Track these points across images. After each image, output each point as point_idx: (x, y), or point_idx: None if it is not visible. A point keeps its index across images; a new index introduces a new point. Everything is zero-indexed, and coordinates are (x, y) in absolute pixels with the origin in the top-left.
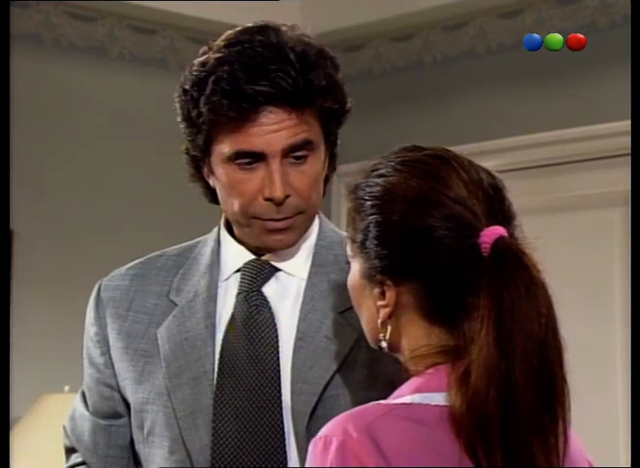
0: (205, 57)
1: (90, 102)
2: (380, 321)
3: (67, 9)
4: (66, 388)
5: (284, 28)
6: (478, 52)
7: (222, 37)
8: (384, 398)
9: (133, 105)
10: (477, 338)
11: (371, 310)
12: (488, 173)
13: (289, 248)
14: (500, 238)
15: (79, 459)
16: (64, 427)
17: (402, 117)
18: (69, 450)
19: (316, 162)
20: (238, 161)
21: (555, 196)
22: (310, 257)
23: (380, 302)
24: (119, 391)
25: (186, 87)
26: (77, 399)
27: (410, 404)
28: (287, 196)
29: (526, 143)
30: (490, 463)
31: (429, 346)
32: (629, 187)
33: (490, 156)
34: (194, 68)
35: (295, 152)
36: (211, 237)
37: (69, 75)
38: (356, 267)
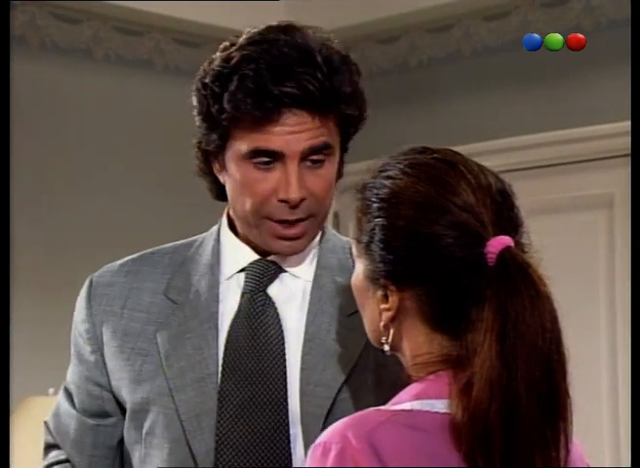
0: (227, 53)
1: (75, 104)
2: (382, 324)
3: (52, 10)
4: (51, 391)
5: (309, 30)
6: (464, 54)
7: (245, 35)
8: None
9: (118, 107)
10: (480, 350)
11: (374, 312)
12: (497, 177)
13: (297, 254)
14: (507, 248)
15: (62, 456)
16: (46, 423)
17: (388, 119)
18: (49, 447)
19: (332, 166)
20: (255, 160)
21: (540, 198)
22: (315, 260)
23: (382, 306)
24: (110, 390)
25: (206, 81)
26: (61, 395)
27: (410, 410)
28: (302, 199)
29: (511, 146)
30: None
31: (431, 354)
32: (616, 189)
33: (475, 159)
34: (216, 63)
35: (313, 155)
36: (210, 236)
37: (54, 76)
38: (360, 268)
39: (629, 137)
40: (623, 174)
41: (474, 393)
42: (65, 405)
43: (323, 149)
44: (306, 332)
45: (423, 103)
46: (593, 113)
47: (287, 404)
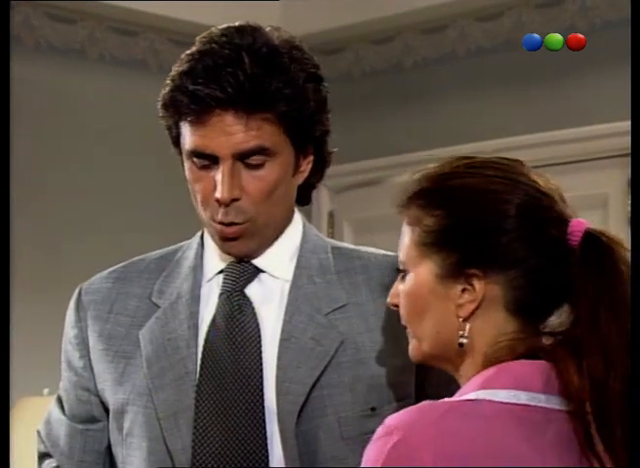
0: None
1: (70, 104)
2: (462, 318)
3: (47, 10)
4: (45, 391)
5: (267, 29)
6: (458, 54)
7: (205, 33)
8: (369, 400)
9: (113, 107)
10: (588, 333)
11: (442, 312)
12: None
13: (248, 255)
14: (589, 229)
15: (53, 464)
16: (39, 432)
17: (382, 120)
18: (43, 456)
19: (275, 168)
20: (195, 160)
21: None
22: (295, 260)
23: (463, 298)
24: (97, 395)
25: (166, 80)
26: (53, 403)
27: (474, 399)
28: (235, 199)
29: (504, 146)
30: (612, 461)
31: (511, 340)
32: (610, 189)
33: None
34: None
35: (247, 158)
36: (194, 241)
37: (49, 77)
38: (425, 271)
39: (625, 138)
40: (618, 174)
41: (597, 375)
42: (56, 411)
43: (256, 152)
44: (283, 331)
45: (418, 104)
46: (588, 114)
47: (263, 401)
